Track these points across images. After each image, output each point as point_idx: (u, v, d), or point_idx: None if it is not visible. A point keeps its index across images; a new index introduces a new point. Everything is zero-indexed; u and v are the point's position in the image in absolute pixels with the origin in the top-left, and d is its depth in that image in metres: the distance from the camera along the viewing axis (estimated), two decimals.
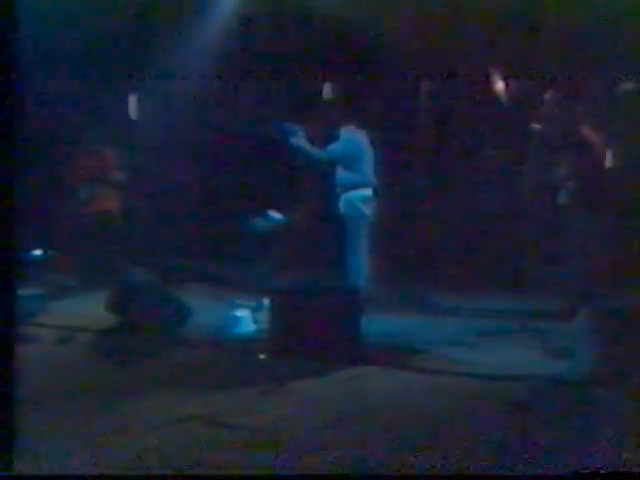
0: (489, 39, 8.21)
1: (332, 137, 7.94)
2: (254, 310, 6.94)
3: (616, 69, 7.36)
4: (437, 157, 9.40)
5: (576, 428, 4.32)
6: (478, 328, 6.90)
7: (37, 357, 5.67)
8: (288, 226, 8.27)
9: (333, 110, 8.33)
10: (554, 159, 7.44)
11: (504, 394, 5.09)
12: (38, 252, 8.62)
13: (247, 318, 6.80)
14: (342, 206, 7.87)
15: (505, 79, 8.72)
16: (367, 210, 7.82)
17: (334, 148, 7.84)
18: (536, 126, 7.76)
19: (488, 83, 8.73)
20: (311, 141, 7.79)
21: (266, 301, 6.58)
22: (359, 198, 7.81)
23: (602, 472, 3.54)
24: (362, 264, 7.71)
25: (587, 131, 7.18)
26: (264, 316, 6.49)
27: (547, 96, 7.78)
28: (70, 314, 7.43)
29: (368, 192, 7.86)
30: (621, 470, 3.63)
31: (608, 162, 7.21)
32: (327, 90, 8.65)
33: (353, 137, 7.91)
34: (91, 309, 7.28)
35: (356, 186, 7.82)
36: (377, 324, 6.47)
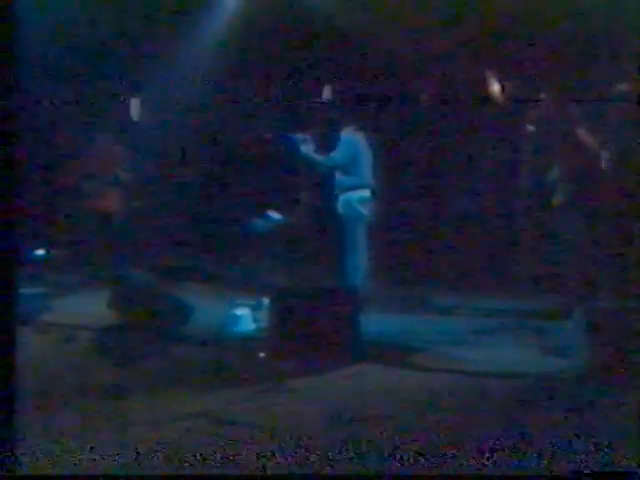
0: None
1: (332, 138, 7.91)
2: (254, 309, 6.90)
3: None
4: (434, 158, 9.38)
5: (572, 426, 4.28)
6: (475, 327, 6.86)
7: (38, 356, 5.63)
8: (287, 226, 8.24)
9: (332, 112, 8.29)
10: (549, 161, 7.42)
11: (501, 391, 5.07)
12: (40, 251, 8.58)
13: (247, 317, 6.77)
14: (341, 207, 7.85)
15: (501, 82, 8.71)
16: (365, 211, 7.79)
17: (336, 155, 7.80)
18: (531, 128, 7.73)
19: (484, 86, 8.72)
20: (312, 143, 7.76)
21: (266, 300, 6.55)
22: (357, 199, 7.79)
23: (601, 472, 3.50)
24: (360, 264, 7.69)
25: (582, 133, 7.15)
26: (264, 315, 6.45)
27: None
28: (72, 312, 7.38)
29: (366, 193, 7.83)
30: (619, 470, 3.59)
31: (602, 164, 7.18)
32: (326, 92, 8.61)
33: (352, 139, 7.88)
34: (93, 307, 7.23)
35: (354, 187, 7.80)
36: (375, 323, 6.45)
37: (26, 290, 6.82)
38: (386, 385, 5.32)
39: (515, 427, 4.29)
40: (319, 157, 7.79)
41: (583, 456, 3.76)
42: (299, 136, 7.68)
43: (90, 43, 8.93)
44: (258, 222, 8.14)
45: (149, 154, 9.40)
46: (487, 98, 8.70)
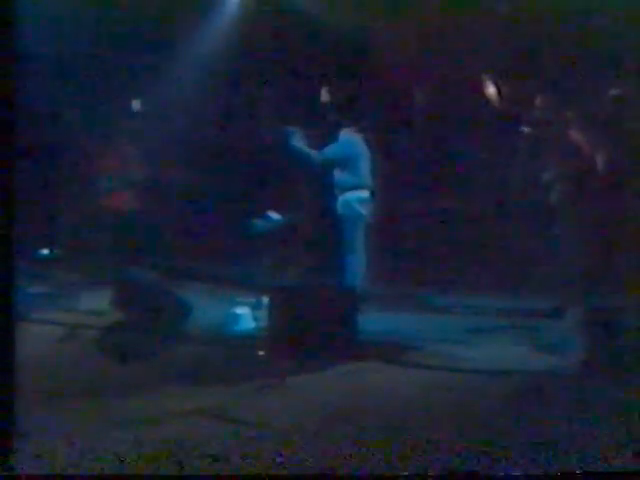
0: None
1: (331, 139, 7.88)
2: (254, 308, 6.89)
3: None
4: (431, 158, 9.36)
5: (567, 423, 4.24)
6: (471, 325, 6.85)
7: (40, 354, 5.59)
8: (287, 226, 8.21)
9: (331, 113, 8.26)
10: (543, 160, 7.40)
11: (497, 389, 5.04)
12: (42, 250, 8.55)
13: (247, 315, 6.76)
14: (340, 207, 7.83)
15: (496, 83, 8.67)
16: (364, 211, 7.77)
17: (331, 150, 7.79)
18: (526, 129, 7.70)
19: (480, 87, 8.68)
20: (310, 144, 7.73)
21: (265, 299, 6.53)
22: (356, 199, 7.76)
23: (601, 472, 3.46)
24: (359, 263, 7.67)
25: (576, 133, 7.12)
26: (263, 313, 6.43)
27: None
28: (74, 311, 7.34)
29: (365, 193, 7.81)
30: (620, 470, 3.54)
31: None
32: (325, 93, 8.58)
33: (350, 139, 7.86)
34: (95, 306, 7.21)
35: (353, 187, 7.77)
36: (373, 321, 6.44)
37: (27, 288, 6.82)
38: (383, 383, 5.30)
39: (512, 425, 4.26)
40: (316, 156, 7.75)
41: (580, 455, 3.72)
42: (290, 129, 7.65)
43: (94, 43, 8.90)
44: (258, 222, 8.10)
45: (149, 154, 9.37)
46: (485, 99, 8.66)
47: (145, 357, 5.90)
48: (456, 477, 3.65)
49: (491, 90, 8.32)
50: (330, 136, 7.94)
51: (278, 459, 3.82)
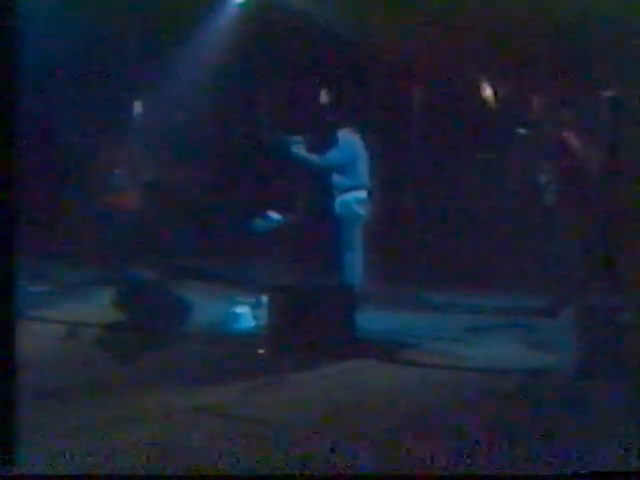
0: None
1: (329, 140, 7.86)
2: (253, 307, 6.88)
3: None
4: (428, 159, 9.34)
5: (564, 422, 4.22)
6: (468, 324, 6.84)
7: (41, 353, 5.57)
8: (286, 226, 8.20)
9: (330, 114, 8.26)
10: (540, 161, 7.39)
11: (494, 386, 5.02)
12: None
13: (247, 314, 6.76)
14: (338, 207, 7.81)
15: (493, 85, 8.68)
16: (362, 211, 7.75)
17: (332, 156, 7.76)
18: (523, 130, 7.70)
19: (478, 89, 8.69)
20: (309, 144, 7.71)
21: (265, 298, 6.51)
22: (354, 199, 7.74)
23: (601, 472, 3.42)
24: (357, 262, 7.65)
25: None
26: (263, 312, 6.42)
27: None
28: (76, 310, 7.33)
29: (363, 194, 7.79)
30: (620, 470, 3.51)
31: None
32: (324, 95, 8.57)
33: (349, 141, 7.83)
34: (97, 305, 7.21)
35: (351, 188, 7.75)
36: (371, 320, 6.43)
37: (28, 287, 6.80)
38: (381, 381, 5.29)
39: (508, 424, 4.24)
40: (315, 158, 7.73)
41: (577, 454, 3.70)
42: (293, 138, 7.64)
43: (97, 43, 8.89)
44: (258, 222, 8.09)
45: (150, 155, 9.36)
46: (482, 100, 8.67)
47: (146, 356, 5.88)
48: (456, 477, 3.62)
49: (488, 91, 8.33)
50: (328, 137, 7.93)
51: (278, 457, 3.80)
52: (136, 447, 3.88)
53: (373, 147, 7.98)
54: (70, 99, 9.06)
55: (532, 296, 7.29)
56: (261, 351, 5.91)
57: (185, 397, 4.82)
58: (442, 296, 7.94)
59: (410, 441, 3.91)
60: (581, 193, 7.05)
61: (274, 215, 8.15)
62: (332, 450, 3.82)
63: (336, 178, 7.82)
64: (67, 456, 3.64)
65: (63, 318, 6.92)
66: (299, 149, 7.67)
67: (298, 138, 7.69)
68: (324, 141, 7.92)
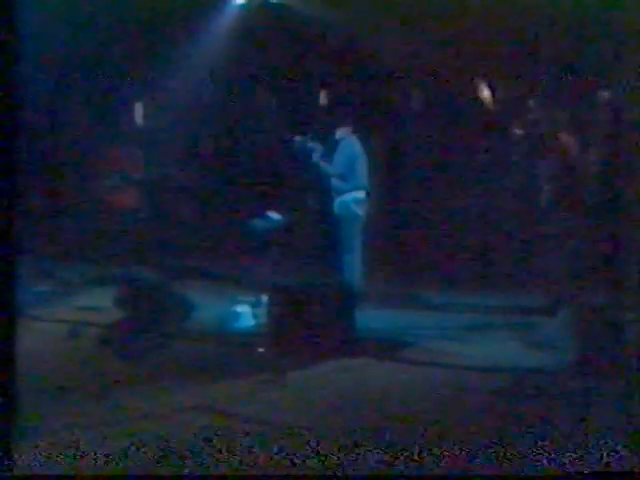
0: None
1: (328, 141, 7.84)
2: (253, 306, 6.87)
3: None
4: (426, 159, 9.34)
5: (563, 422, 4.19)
6: (466, 323, 6.83)
7: (42, 353, 5.56)
8: (286, 226, 8.18)
9: (329, 115, 8.24)
10: (539, 161, 7.37)
11: (491, 385, 5.01)
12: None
13: (247, 313, 6.76)
14: (337, 208, 7.79)
15: (490, 86, 8.66)
16: (360, 211, 7.74)
17: (341, 162, 7.72)
18: (521, 130, 7.68)
19: (475, 90, 8.67)
20: (308, 145, 7.69)
21: (265, 297, 6.48)
22: (353, 200, 7.73)
23: (602, 472, 3.39)
24: (356, 262, 7.63)
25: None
26: (263, 311, 6.41)
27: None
28: (78, 309, 7.30)
29: (361, 194, 7.77)
30: (619, 470, 3.48)
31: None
32: (323, 96, 8.56)
33: (349, 142, 7.81)
34: (98, 304, 7.17)
35: (351, 189, 7.73)
36: (370, 318, 6.42)
37: (30, 286, 6.78)
38: (381, 379, 5.28)
39: (506, 423, 4.21)
40: (327, 166, 7.72)
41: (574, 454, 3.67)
42: (310, 144, 7.63)
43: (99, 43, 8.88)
44: (258, 222, 8.06)
45: (151, 155, 9.34)
46: (480, 100, 8.65)
47: (146, 355, 5.86)
48: (456, 477, 3.59)
49: (485, 93, 8.31)
50: (327, 138, 7.91)
51: (277, 456, 3.76)
52: (136, 447, 3.85)
53: (372, 147, 7.96)
54: (70, 99, 9.06)
55: (532, 296, 7.28)
56: (261, 350, 5.88)
57: (185, 396, 4.80)
58: (440, 295, 7.92)
59: (410, 440, 3.88)
60: (580, 193, 7.02)
61: (274, 215, 8.13)
62: (332, 449, 3.79)
63: (335, 179, 7.80)
64: (67, 456, 3.62)
65: (64, 317, 6.90)
66: (318, 161, 7.66)
67: (298, 136, 7.68)
68: (323, 142, 7.89)
